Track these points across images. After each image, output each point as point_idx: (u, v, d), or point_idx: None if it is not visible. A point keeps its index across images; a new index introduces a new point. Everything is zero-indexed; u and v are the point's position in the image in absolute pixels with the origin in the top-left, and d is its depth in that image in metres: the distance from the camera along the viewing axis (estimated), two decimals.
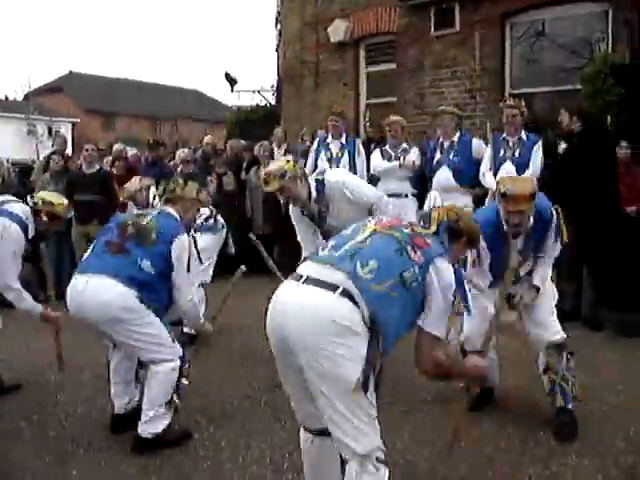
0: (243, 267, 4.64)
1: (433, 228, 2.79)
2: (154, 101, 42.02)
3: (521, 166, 6.30)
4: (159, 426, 3.71)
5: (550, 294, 4.13)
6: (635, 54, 7.62)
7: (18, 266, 4.43)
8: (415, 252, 2.62)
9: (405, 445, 3.75)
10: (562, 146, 6.35)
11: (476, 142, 6.92)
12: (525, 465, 3.54)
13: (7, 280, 4.35)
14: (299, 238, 4.86)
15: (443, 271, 2.64)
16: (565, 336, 4.06)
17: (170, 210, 3.99)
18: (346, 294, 2.49)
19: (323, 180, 4.55)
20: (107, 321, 3.67)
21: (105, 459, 3.68)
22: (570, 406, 3.98)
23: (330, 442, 2.67)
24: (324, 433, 2.68)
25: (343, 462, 2.63)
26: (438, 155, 6.96)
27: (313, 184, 4.51)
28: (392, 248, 2.62)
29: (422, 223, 2.83)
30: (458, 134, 6.97)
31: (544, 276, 4.08)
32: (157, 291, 3.78)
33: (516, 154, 6.42)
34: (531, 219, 3.88)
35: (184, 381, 3.85)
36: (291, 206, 4.71)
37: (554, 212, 3.99)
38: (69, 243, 8.05)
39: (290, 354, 2.58)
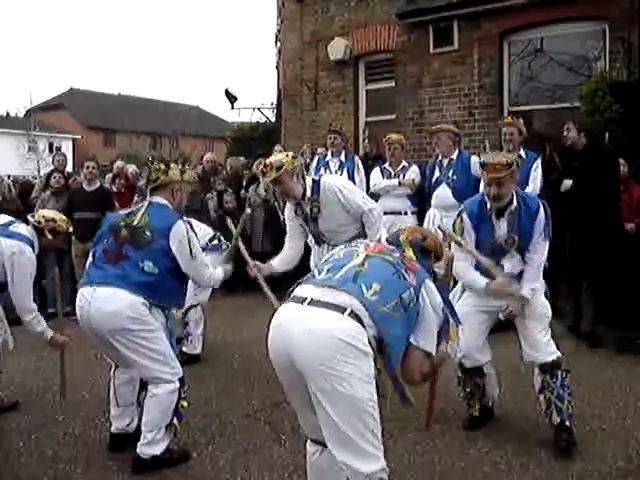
0: (248, 210, 4.57)
1: (411, 252, 2.93)
2: (155, 117, 42.23)
3: (520, 183, 6.31)
4: (158, 448, 3.68)
5: (541, 312, 4.08)
6: (632, 72, 7.66)
7: (32, 287, 4.48)
8: (409, 275, 2.75)
9: (403, 465, 3.73)
10: (567, 182, 6.29)
11: (475, 159, 6.94)
12: None
13: (27, 303, 4.40)
14: (287, 236, 4.92)
15: (432, 290, 2.80)
16: (559, 355, 4.05)
17: (159, 200, 3.88)
18: (353, 315, 2.56)
19: (319, 181, 4.61)
20: (115, 331, 3.64)
21: (103, 479, 3.65)
22: (567, 423, 3.96)
23: None
24: None
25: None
26: (437, 173, 6.99)
27: (310, 183, 4.57)
28: (390, 271, 2.73)
29: (391, 246, 2.97)
30: (457, 152, 7.00)
31: (533, 282, 4.03)
32: (166, 288, 3.74)
33: None
34: (514, 200, 3.97)
35: (184, 403, 3.82)
36: (287, 205, 4.79)
37: (542, 205, 4.04)
38: (69, 261, 8.05)
39: (296, 374, 2.61)
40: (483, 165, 4.02)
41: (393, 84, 10.39)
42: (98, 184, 8.16)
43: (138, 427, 3.94)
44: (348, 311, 2.57)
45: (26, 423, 4.45)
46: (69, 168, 12.64)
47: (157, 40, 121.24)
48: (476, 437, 4.11)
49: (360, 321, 2.56)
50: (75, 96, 44.26)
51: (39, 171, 16.93)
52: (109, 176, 9.55)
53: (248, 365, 5.73)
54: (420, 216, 7.09)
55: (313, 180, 4.62)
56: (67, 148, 36.46)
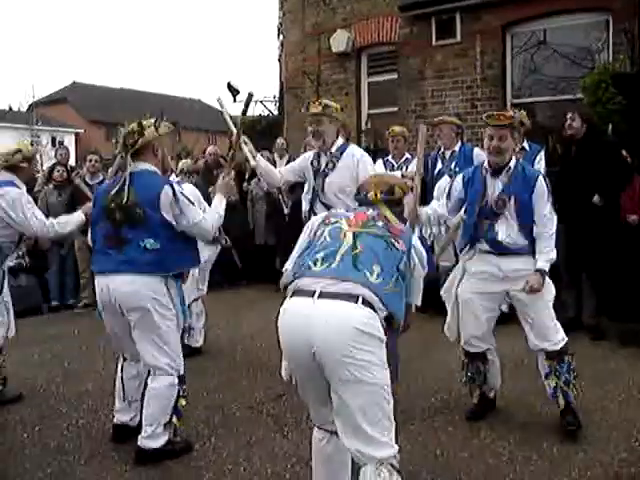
0: (252, 92, 4.53)
1: (388, 211, 2.97)
2: (157, 111, 42.14)
3: None
4: (159, 441, 3.69)
5: (547, 297, 4.06)
6: (635, 63, 7.64)
7: (33, 206, 4.57)
8: (398, 242, 2.81)
9: (406, 456, 3.73)
10: (596, 199, 6.20)
11: (477, 151, 6.91)
12: (528, 476, 3.52)
13: (35, 224, 4.48)
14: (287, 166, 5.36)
15: (419, 248, 2.89)
16: (566, 340, 4.09)
17: (140, 166, 3.73)
18: (366, 303, 2.61)
19: (348, 145, 4.89)
20: (133, 309, 3.66)
21: (107, 470, 3.67)
22: (573, 406, 4.06)
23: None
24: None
25: (354, 463, 2.75)
26: (439, 165, 6.97)
27: (340, 142, 4.81)
28: (382, 247, 2.77)
29: (369, 210, 2.98)
30: (459, 144, 6.98)
31: (548, 253, 3.97)
32: (175, 256, 3.72)
33: None
34: (512, 163, 4.02)
35: (182, 402, 3.81)
36: (306, 153, 5.14)
37: (542, 177, 4.06)
38: (72, 254, 8.06)
39: (314, 367, 2.64)
40: (487, 117, 4.07)
41: (395, 76, 10.38)
42: (101, 177, 8.15)
43: (141, 421, 3.94)
44: (360, 300, 2.61)
45: (29, 415, 4.46)
46: (72, 162, 12.63)
47: (159, 34, 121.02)
48: (479, 428, 4.11)
49: (372, 307, 2.62)
50: (78, 90, 44.23)
51: (42, 165, 16.89)
52: (112, 169, 9.54)
53: (251, 357, 5.74)
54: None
55: (344, 142, 4.89)
56: (70, 142, 36.45)
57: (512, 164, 4.02)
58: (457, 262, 6.94)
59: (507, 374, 4.87)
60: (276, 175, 5.07)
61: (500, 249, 4.05)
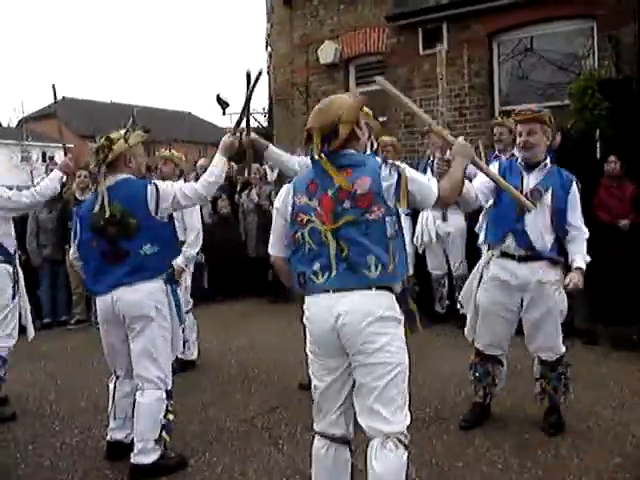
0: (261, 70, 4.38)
1: (339, 177, 2.75)
2: (148, 125, 42.15)
3: None
4: (151, 457, 3.67)
5: (561, 308, 4.10)
6: (620, 69, 7.70)
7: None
8: (372, 211, 2.71)
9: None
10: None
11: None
12: None
13: (22, 200, 4.73)
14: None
15: (410, 177, 2.77)
16: (563, 351, 4.15)
17: (118, 177, 3.75)
18: (381, 287, 2.73)
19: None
20: (135, 318, 3.69)
21: None
22: (557, 405, 4.18)
23: (345, 450, 2.88)
24: (341, 441, 2.87)
25: (353, 470, 2.88)
26: (429, 174, 6.99)
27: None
28: (362, 231, 2.71)
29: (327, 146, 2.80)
30: (448, 152, 6.98)
31: (583, 254, 4.02)
32: (170, 252, 3.92)
33: None
34: (548, 162, 4.03)
35: (170, 416, 3.78)
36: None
37: (576, 183, 4.07)
38: (63, 270, 8.03)
39: (338, 354, 2.78)
40: (515, 115, 4.12)
41: None
42: (92, 193, 8.13)
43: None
44: (374, 288, 2.72)
45: (23, 434, 4.43)
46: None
47: (148, 48, 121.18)
48: (474, 437, 4.11)
49: (388, 288, 2.75)
50: (67, 105, 44.18)
51: (32, 181, 16.87)
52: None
53: (245, 371, 5.73)
54: (414, 217, 7.09)
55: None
56: (60, 157, 36.40)
57: (548, 161, 4.05)
58: (449, 271, 7.01)
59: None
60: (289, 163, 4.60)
61: (523, 244, 4.00)
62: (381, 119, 10.38)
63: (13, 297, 4.68)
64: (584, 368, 5.28)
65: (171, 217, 3.91)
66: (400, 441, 2.70)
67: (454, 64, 9.55)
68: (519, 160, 4.13)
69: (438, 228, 6.85)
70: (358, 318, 2.68)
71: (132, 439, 3.88)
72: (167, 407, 3.75)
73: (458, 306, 4.58)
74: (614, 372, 5.30)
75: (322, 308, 2.77)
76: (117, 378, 3.98)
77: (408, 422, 2.75)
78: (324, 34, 11.03)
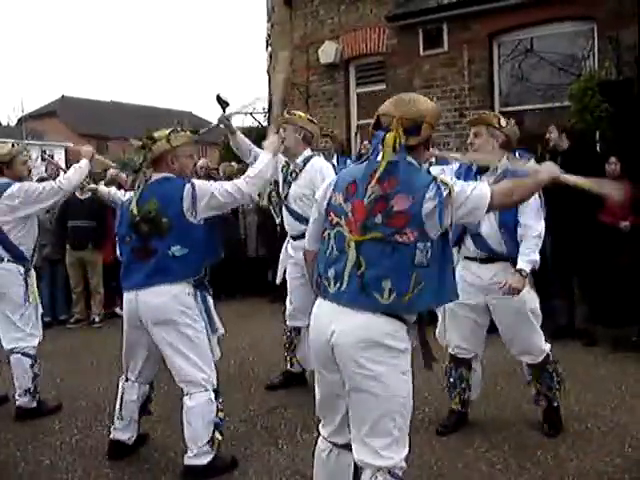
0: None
1: (387, 155, 2.54)
2: (147, 124, 42.10)
3: None
4: (206, 458, 3.62)
5: (530, 307, 4.01)
6: (620, 70, 7.71)
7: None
8: (404, 233, 2.50)
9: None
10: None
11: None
12: None
13: (43, 193, 4.69)
14: None
15: (453, 191, 2.51)
16: (548, 351, 4.13)
17: (160, 175, 3.72)
18: (387, 313, 2.54)
19: (311, 157, 4.92)
20: (160, 323, 3.62)
21: None
22: (555, 404, 4.17)
23: (348, 454, 2.72)
24: (344, 447, 2.75)
25: (357, 472, 2.72)
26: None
27: (307, 153, 4.93)
28: (386, 252, 2.51)
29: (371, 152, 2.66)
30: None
31: (530, 255, 3.85)
32: (201, 255, 3.71)
33: None
34: (500, 163, 3.86)
35: (221, 415, 3.74)
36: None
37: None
38: (63, 269, 8.04)
39: (334, 368, 2.64)
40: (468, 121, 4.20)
41: (384, 87, 10.42)
42: (90, 192, 8.12)
43: (136, 441, 3.99)
44: (379, 312, 2.53)
45: (23, 433, 4.43)
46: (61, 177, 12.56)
47: (148, 47, 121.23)
48: (473, 438, 4.12)
49: (396, 316, 2.55)
50: (67, 104, 44.19)
51: (31, 180, 16.84)
52: (102, 184, 9.52)
53: (245, 371, 5.73)
54: None
55: (311, 153, 4.96)
56: (60, 156, 36.35)
57: (500, 164, 3.88)
58: None
59: (500, 383, 4.91)
60: (250, 151, 4.98)
61: (482, 247, 4.00)
62: None
63: (26, 298, 4.69)
64: (583, 369, 5.30)
65: (211, 220, 3.76)
66: (392, 474, 2.57)
67: (454, 65, 9.56)
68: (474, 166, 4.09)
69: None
70: (351, 341, 2.52)
71: (134, 441, 3.89)
72: (217, 407, 3.71)
73: None
74: (613, 373, 5.31)
75: (322, 319, 2.65)
76: (127, 380, 3.95)
77: (405, 453, 2.62)
78: (324, 34, 11.03)
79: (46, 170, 9.50)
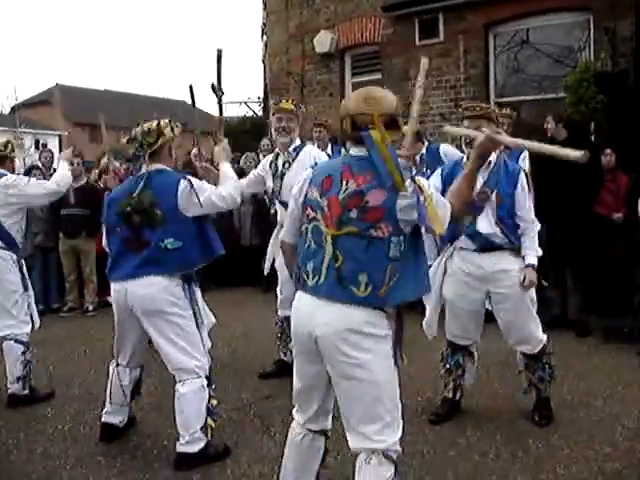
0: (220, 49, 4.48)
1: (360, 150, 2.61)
2: (142, 113, 41.87)
3: None
4: (199, 445, 3.63)
5: (529, 296, 4.07)
6: (616, 62, 7.71)
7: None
8: (378, 228, 2.53)
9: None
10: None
11: (444, 147, 6.56)
12: (513, 473, 3.55)
13: (41, 190, 4.82)
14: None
15: (427, 195, 2.53)
16: (545, 342, 4.15)
17: (156, 167, 3.74)
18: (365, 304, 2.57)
19: (304, 146, 5.00)
20: (150, 313, 3.65)
21: (93, 475, 3.64)
22: (545, 395, 4.20)
23: (321, 439, 2.86)
24: (319, 432, 2.85)
25: (325, 457, 2.90)
26: (413, 171, 6.90)
27: (298, 142, 4.98)
28: (361, 246, 2.55)
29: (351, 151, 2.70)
30: (426, 145, 6.72)
31: (533, 250, 4.02)
32: (198, 249, 3.72)
33: None
34: (493, 157, 3.90)
35: (214, 402, 3.77)
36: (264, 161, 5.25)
37: (523, 172, 4.07)
38: (56, 257, 8.01)
39: (316, 360, 2.68)
40: (464, 110, 4.12)
41: (379, 77, 10.40)
42: (83, 181, 8.10)
43: (127, 424, 4.04)
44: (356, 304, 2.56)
45: (16, 420, 4.42)
46: (55, 165, 12.52)
47: (143, 35, 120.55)
48: (465, 427, 4.14)
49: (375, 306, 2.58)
50: (61, 92, 43.92)
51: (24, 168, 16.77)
52: (95, 172, 9.48)
53: (237, 359, 5.74)
54: None
55: (302, 142, 5.01)
56: (53, 144, 36.20)
57: (493, 158, 3.94)
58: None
59: (493, 373, 4.93)
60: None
61: (482, 242, 4.04)
62: None
63: (25, 287, 4.73)
64: (576, 359, 5.32)
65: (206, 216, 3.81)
66: (386, 456, 2.59)
67: (450, 55, 9.55)
68: (464, 159, 4.10)
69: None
70: (333, 331, 2.55)
71: (125, 424, 3.91)
72: (209, 393, 3.73)
73: None
74: (606, 363, 5.33)
75: (303, 312, 2.69)
76: (117, 365, 3.97)
77: (398, 436, 2.63)
78: (320, 23, 10.99)
79: (40, 158, 9.45)
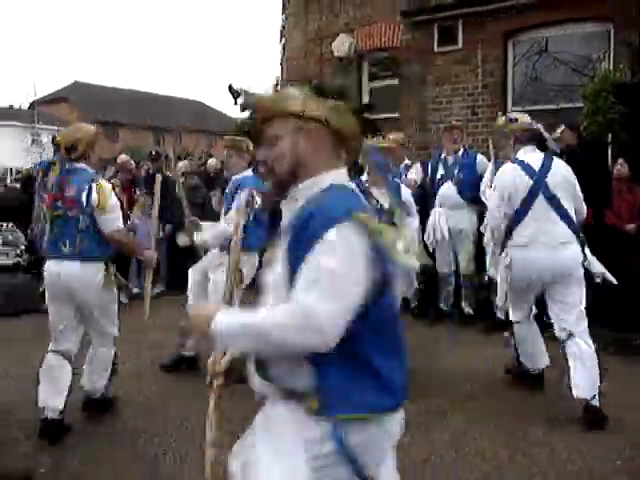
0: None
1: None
2: (158, 112, 42.20)
3: None
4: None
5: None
6: (636, 73, 7.66)
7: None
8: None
9: (399, 454, 3.72)
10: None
11: (480, 158, 6.92)
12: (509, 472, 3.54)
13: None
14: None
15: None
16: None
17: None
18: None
19: None
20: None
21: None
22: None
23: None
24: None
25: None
26: (441, 170, 6.96)
27: None
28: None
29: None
30: (462, 149, 6.98)
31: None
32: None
33: None
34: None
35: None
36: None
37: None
38: None
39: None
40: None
41: (397, 82, 10.40)
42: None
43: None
44: None
45: (22, 414, 4.38)
46: None
47: (162, 35, 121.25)
48: (466, 429, 4.16)
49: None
50: (79, 89, 44.26)
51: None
52: (112, 168, 9.55)
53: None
54: (422, 215, 7.05)
55: None
56: None
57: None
58: (457, 269, 6.97)
59: (496, 379, 4.90)
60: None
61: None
62: (393, 115, 10.40)
63: None
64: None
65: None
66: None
67: (468, 62, 9.52)
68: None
69: (450, 225, 6.83)
70: None
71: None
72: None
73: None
74: (616, 377, 5.28)
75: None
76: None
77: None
78: (339, 27, 11.00)
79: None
